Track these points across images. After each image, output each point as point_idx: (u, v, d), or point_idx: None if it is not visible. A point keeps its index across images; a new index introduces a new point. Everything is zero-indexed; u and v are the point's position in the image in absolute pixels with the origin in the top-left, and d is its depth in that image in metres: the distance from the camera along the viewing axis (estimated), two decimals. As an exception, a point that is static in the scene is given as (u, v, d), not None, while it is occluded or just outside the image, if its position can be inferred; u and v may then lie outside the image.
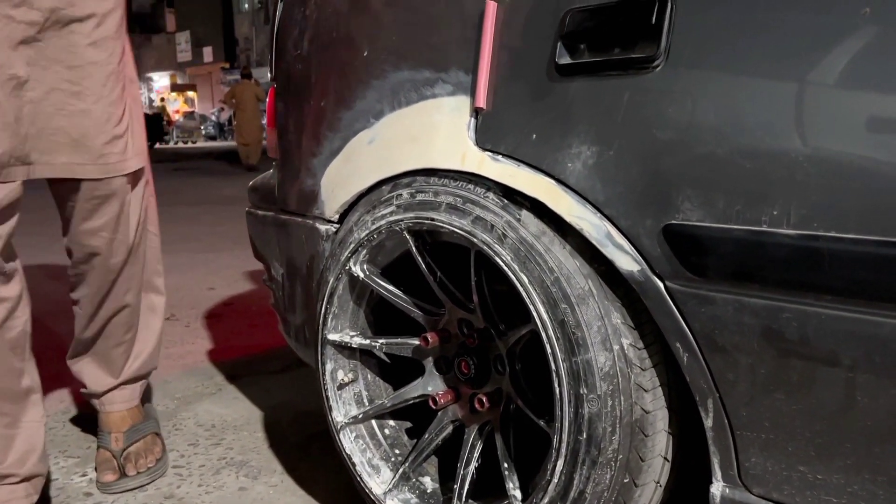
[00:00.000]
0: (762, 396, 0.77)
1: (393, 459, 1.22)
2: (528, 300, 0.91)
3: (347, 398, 1.25)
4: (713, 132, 0.76)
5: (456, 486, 1.08)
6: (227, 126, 24.80)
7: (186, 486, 1.49)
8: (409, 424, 1.28)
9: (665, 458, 0.93)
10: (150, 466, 1.52)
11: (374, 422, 1.25)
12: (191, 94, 35.37)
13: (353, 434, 1.23)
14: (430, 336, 1.11)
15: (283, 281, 1.41)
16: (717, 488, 0.85)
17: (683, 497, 1.00)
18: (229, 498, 1.44)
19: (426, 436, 1.16)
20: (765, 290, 0.74)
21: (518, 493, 1.03)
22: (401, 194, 1.08)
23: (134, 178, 1.40)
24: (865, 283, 0.68)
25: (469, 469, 1.08)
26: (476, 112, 0.98)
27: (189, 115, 28.68)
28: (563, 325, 0.88)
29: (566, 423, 0.89)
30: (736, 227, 0.74)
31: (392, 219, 1.08)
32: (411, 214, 1.05)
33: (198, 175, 10.66)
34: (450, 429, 1.15)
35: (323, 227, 1.27)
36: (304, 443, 1.68)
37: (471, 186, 1.00)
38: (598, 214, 0.86)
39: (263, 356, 2.31)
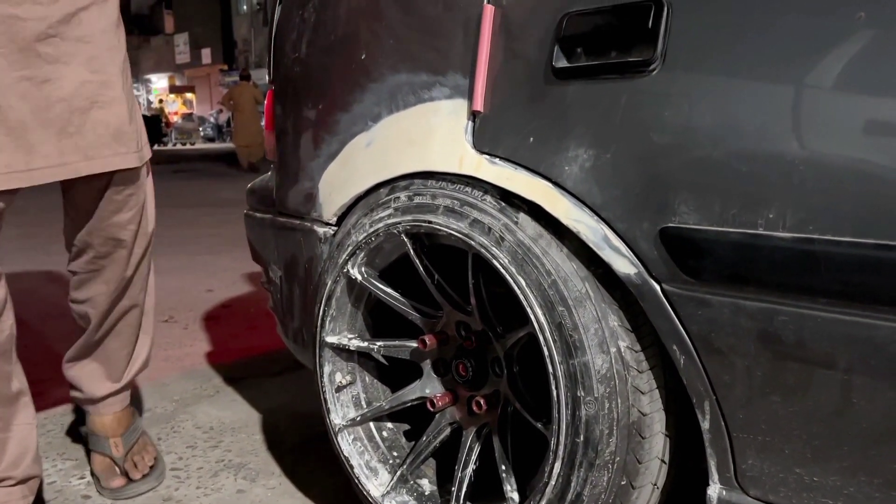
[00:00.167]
0: (759, 399, 0.78)
1: (391, 462, 1.23)
2: (525, 303, 0.91)
3: (345, 400, 1.25)
4: (710, 135, 0.76)
5: (454, 489, 1.08)
6: (226, 128, 24.78)
7: (184, 488, 1.49)
8: (407, 427, 1.28)
9: (662, 461, 0.94)
10: (151, 465, 1.52)
11: (372, 424, 1.25)
12: (189, 95, 35.36)
13: (351, 436, 1.23)
14: (428, 338, 1.11)
15: (282, 283, 1.41)
16: (713, 490, 0.85)
17: (680, 499, 1.01)
18: (227, 500, 1.44)
19: (424, 438, 1.16)
20: (761, 293, 0.74)
21: (516, 496, 1.03)
22: (398, 197, 1.09)
23: (147, 167, 1.40)
24: (861, 287, 0.68)
25: (467, 471, 1.08)
26: (473, 115, 0.98)
27: (187, 117, 28.65)
28: (561, 327, 0.89)
29: (563, 426, 0.90)
30: (732, 230, 0.74)
31: (390, 221, 1.08)
32: (409, 217, 1.05)
33: (196, 177, 10.65)
34: (448, 431, 1.15)
35: (321, 230, 1.27)
36: (302, 445, 1.68)
37: (468, 189, 1.00)
38: (596, 217, 0.86)
39: (262, 358, 2.31)
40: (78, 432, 1.76)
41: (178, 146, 24.76)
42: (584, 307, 0.88)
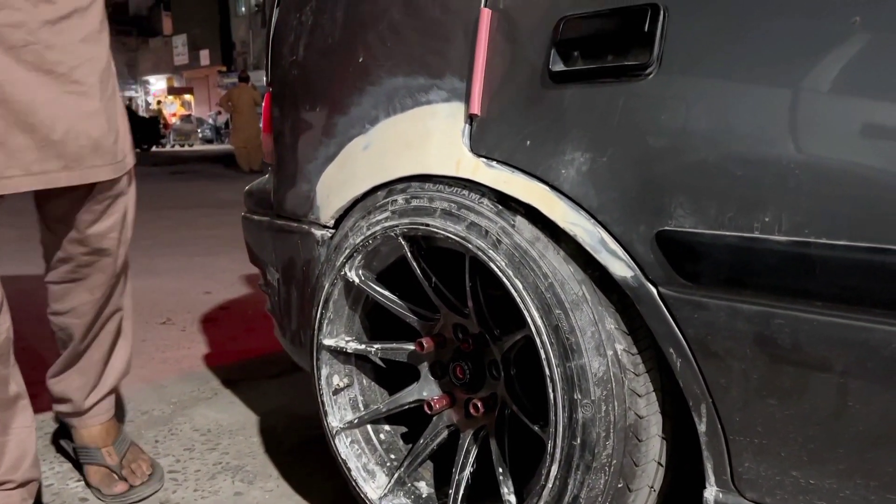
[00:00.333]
0: (755, 402, 0.78)
1: (388, 464, 1.23)
2: (522, 306, 0.91)
3: (343, 403, 1.25)
4: (706, 139, 0.77)
5: (451, 491, 1.08)
6: (224, 129, 24.78)
7: (182, 491, 1.49)
8: (404, 429, 1.28)
9: (659, 463, 0.94)
10: (150, 473, 1.52)
11: (369, 427, 1.25)
12: (187, 97, 35.36)
13: (349, 439, 1.23)
14: (426, 341, 1.11)
15: (279, 286, 1.41)
16: (710, 493, 0.85)
17: (677, 502, 1.01)
18: (225, 503, 1.44)
19: (421, 441, 1.16)
20: (757, 296, 0.75)
21: (513, 498, 1.03)
22: (396, 200, 1.09)
23: (129, 174, 1.38)
24: (856, 290, 0.68)
25: (464, 474, 1.08)
26: (471, 118, 0.99)
27: (186, 119, 28.65)
28: (558, 330, 0.89)
29: (560, 429, 0.90)
30: (728, 233, 0.75)
31: (387, 224, 1.08)
32: (406, 220, 1.06)
33: (194, 178, 10.66)
34: (445, 434, 1.15)
35: (318, 233, 1.27)
36: (299, 448, 1.68)
37: (465, 192, 1.00)
38: (592, 221, 0.86)
39: (259, 361, 2.31)
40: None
41: (177, 147, 24.75)
42: (581, 310, 0.89)
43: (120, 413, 1.90)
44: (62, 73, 1.19)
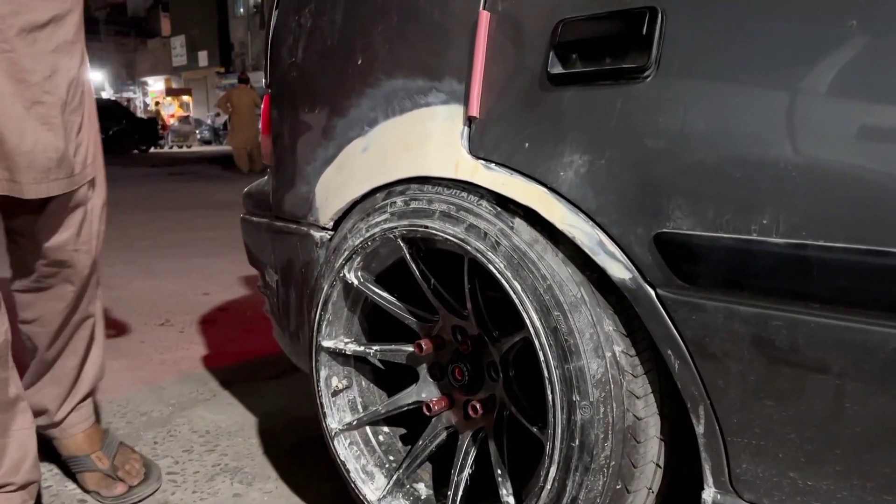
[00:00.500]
0: (752, 403, 0.78)
1: (387, 466, 1.23)
2: (521, 307, 0.92)
3: (342, 404, 1.25)
4: (703, 141, 0.77)
5: (450, 493, 1.08)
6: (222, 130, 24.77)
7: (181, 492, 1.49)
8: (403, 431, 1.28)
9: (657, 465, 0.94)
10: (146, 472, 1.52)
11: (368, 428, 1.25)
12: (186, 98, 35.34)
13: (348, 440, 1.23)
14: (424, 343, 1.12)
15: (278, 287, 1.42)
16: (708, 494, 0.86)
17: (675, 503, 1.01)
18: (224, 504, 1.44)
19: (420, 442, 1.17)
20: (755, 298, 0.75)
21: (511, 500, 1.03)
22: (395, 202, 1.09)
23: (91, 184, 1.36)
24: (853, 292, 0.69)
25: (463, 475, 1.09)
26: (469, 121, 0.99)
27: (184, 120, 28.63)
28: (556, 332, 0.89)
29: (559, 430, 0.90)
30: (726, 235, 0.75)
31: (386, 226, 1.09)
32: (405, 222, 1.06)
33: (193, 179, 10.65)
34: (444, 435, 1.16)
35: (317, 234, 1.27)
36: (298, 449, 1.68)
37: (464, 194, 1.01)
38: (591, 223, 0.86)
39: (258, 362, 2.31)
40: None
41: (175, 149, 24.73)
42: (580, 312, 0.89)
43: (119, 415, 1.90)
44: (35, 82, 1.18)
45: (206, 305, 3.04)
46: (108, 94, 33.88)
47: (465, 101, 0.99)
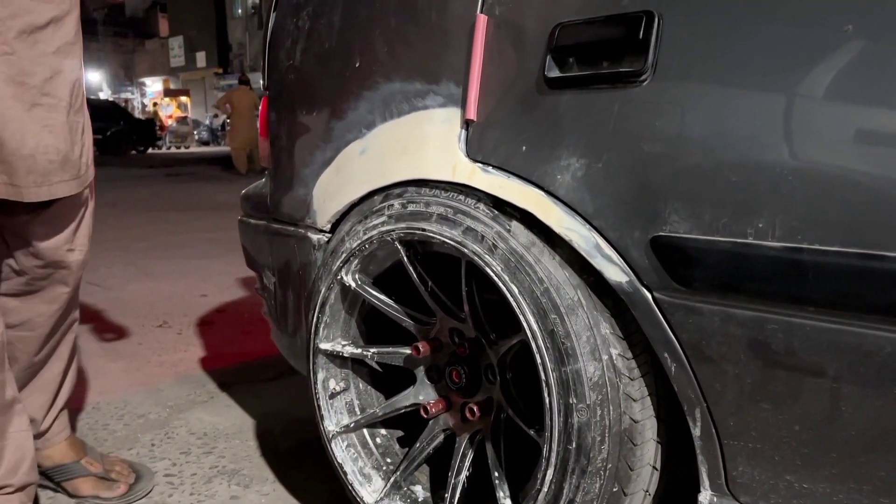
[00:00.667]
0: (749, 406, 0.78)
1: (384, 468, 1.23)
2: (518, 310, 0.92)
3: (339, 407, 1.25)
4: (700, 145, 0.77)
5: (447, 495, 1.08)
6: (221, 131, 24.75)
7: (178, 494, 1.49)
8: (400, 433, 1.28)
9: (654, 467, 0.94)
10: (135, 471, 1.53)
11: (365, 430, 1.25)
12: (184, 99, 35.31)
13: (345, 443, 1.23)
14: (422, 345, 1.12)
15: (276, 290, 1.42)
16: (705, 497, 0.86)
17: (672, 505, 1.01)
18: (221, 507, 1.44)
19: (417, 444, 1.17)
20: (751, 301, 0.75)
21: (508, 502, 1.03)
22: (392, 205, 1.09)
23: (90, 186, 1.35)
24: (849, 295, 0.69)
25: (460, 478, 1.09)
26: (467, 124, 0.99)
27: (182, 121, 28.60)
28: (553, 335, 0.89)
29: (556, 433, 0.90)
30: (722, 239, 0.75)
31: (384, 229, 1.09)
32: (403, 225, 1.06)
33: (190, 180, 10.64)
34: (441, 438, 1.16)
35: (315, 237, 1.27)
36: (296, 451, 1.68)
37: (461, 197, 1.01)
38: (587, 226, 0.87)
39: (256, 364, 2.31)
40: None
41: (173, 149, 24.71)
42: (577, 315, 0.89)
43: (116, 417, 1.90)
44: (34, 84, 1.17)
45: (204, 307, 3.04)
46: (105, 94, 33.88)
47: (463, 105, 0.99)
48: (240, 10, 30.16)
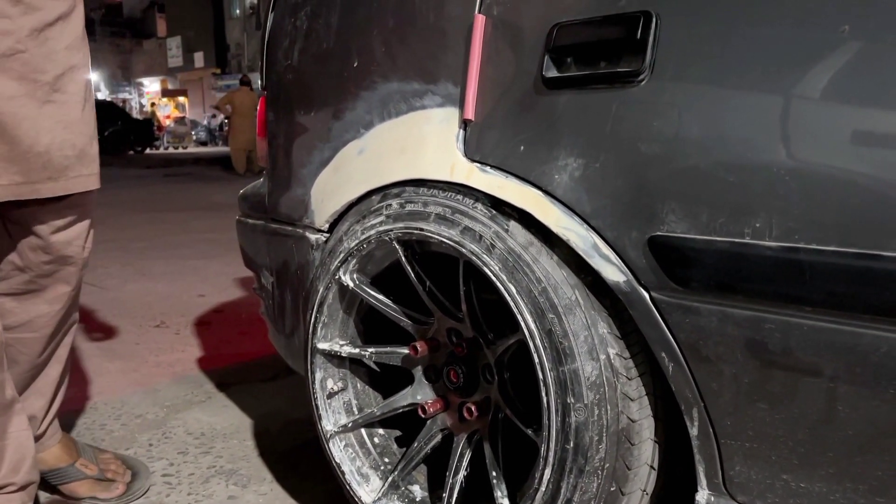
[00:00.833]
0: (746, 406, 0.78)
1: (382, 468, 1.23)
2: (515, 310, 0.92)
3: (337, 407, 1.25)
4: (697, 145, 0.77)
5: (445, 495, 1.08)
6: (219, 132, 24.74)
7: (176, 494, 1.49)
8: (398, 433, 1.28)
9: (651, 467, 0.94)
10: (130, 469, 1.52)
11: (363, 430, 1.25)
12: (181, 99, 35.28)
13: (343, 442, 1.23)
14: (420, 345, 1.12)
15: (273, 289, 1.42)
16: (702, 496, 0.86)
17: (670, 505, 1.01)
18: (218, 507, 1.44)
19: (415, 444, 1.17)
20: (748, 301, 0.75)
21: (506, 502, 1.03)
22: (390, 204, 1.09)
23: None
24: (846, 295, 0.69)
25: (458, 477, 1.09)
26: (465, 124, 0.99)
27: (180, 121, 28.58)
28: (551, 334, 0.89)
29: (553, 432, 0.90)
30: (719, 239, 0.75)
31: (382, 229, 1.09)
32: (401, 224, 1.06)
33: (188, 181, 10.63)
34: (439, 437, 1.16)
35: (312, 237, 1.27)
36: (293, 451, 1.68)
37: (459, 197, 1.01)
38: (585, 226, 0.87)
39: (253, 364, 2.31)
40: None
41: (170, 150, 24.69)
42: (574, 314, 0.89)
43: (114, 417, 1.89)
44: (46, 81, 1.18)
45: (202, 307, 3.04)
46: (103, 94, 33.83)
47: (461, 105, 0.99)
48: (237, 11, 30.15)
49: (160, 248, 4.43)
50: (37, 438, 1.44)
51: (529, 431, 1.00)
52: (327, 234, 1.25)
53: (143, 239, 4.75)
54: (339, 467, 1.22)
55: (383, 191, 1.13)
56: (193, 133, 27.35)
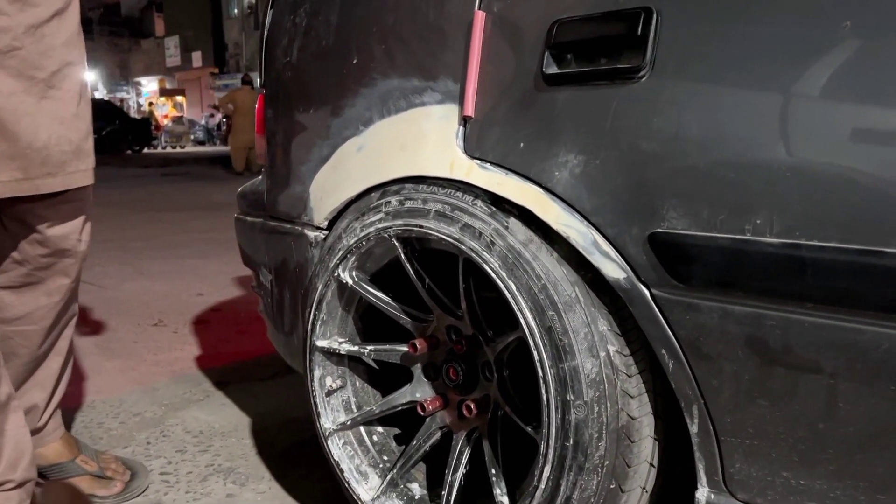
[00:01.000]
0: (746, 403, 0.78)
1: (381, 466, 1.23)
2: (515, 307, 0.92)
3: (336, 405, 1.25)
4: (698, 142, 0.77)
5: (444, 492, 1.08)
6: (217, 131, 24.70)
7: (174, 493, 1.49)
8: (397, 431, 1.28)
9: (651, 464, 0.94)
10: (129, 468, 1.52)
11: (362, 428, 1.25)
12: (179, 98, 35.22)
13: (342, 440, 1.23)
14: (419, 342, 1.12)
15: (272, 287, 1.41)
16: (702, 493, 0.86)
17: (669, 502, 1.01)
18: (217, 505, 1.44)
19: (414, 442, 1.17)
20: (748, 297, 0.75)
21: (506, 500, 1.03)
22: (390, 201, 1.09)
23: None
24: (846, 292, 0.69)
25: (457, 475, 1.09)
26: (464, 120, 0.99)
27: (178, 120, 28.54)
28: (551, 331, 0.89)
29: (553, 430, 0.90)
30: (720, 235, 0.75)
31: (381, 226, 1.08)
32: (400, 221, 1.06)
33: (186, 180, 10.62)
34: (438, 435, 1.16)
35: (311, 234, 1.27)
36: (292, 449, 1.67)
37: (459, 194, 1.01)
38: (585, 222, 0.87)
39: (252, 363, 2.31)
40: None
41: (168, 149, 24.66)
42: (574, 311, 0.89)
43: (112, 415, 1.89)
44: (43, 78, 1.18)
45: (200, 306, 3.04)
46: (101, 94, 33.77)
47: (461, 101, 0.99)
48: (236, 10, 30.11)
49: (158, 248, 4.43)
50: (38, 431, 1.45)
51: (529, 429, 1.00)
52: (326, 232, 1.25)
53: (142, 238, 4.74)
54: (338, 465, 1.21)
55: (382, 188, 1.12)
56: (191, 133, 27.30)
